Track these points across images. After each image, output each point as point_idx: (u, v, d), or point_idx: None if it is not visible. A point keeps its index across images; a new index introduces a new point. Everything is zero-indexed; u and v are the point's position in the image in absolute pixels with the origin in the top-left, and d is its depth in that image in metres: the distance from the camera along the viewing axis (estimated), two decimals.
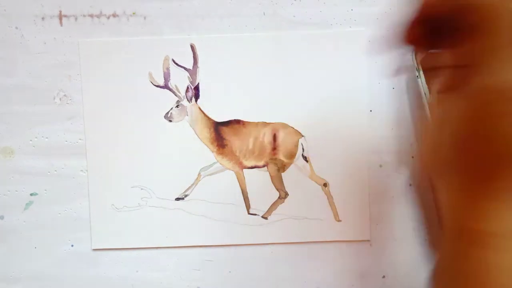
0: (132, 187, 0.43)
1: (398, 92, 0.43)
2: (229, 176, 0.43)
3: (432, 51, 0.41)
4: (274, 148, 0.43)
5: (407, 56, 0.41)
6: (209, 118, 0.43)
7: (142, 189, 0.43)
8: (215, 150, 0.43)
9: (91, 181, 0.43)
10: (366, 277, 0.44)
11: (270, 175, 0.43)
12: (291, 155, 0.43)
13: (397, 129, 0.43)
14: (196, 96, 0.43)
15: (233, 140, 0.43)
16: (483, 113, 0.24)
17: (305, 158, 0.43)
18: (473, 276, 0.26)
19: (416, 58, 0.41)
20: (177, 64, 0.43)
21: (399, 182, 0.44)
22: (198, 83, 0.43)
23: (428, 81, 0.41)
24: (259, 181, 0.43)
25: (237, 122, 0.43)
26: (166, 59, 0.43)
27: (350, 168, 0.43)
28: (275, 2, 0.43)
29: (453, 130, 0.27)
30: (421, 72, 0.41)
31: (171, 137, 0.43)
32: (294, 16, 0.43)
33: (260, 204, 0.43)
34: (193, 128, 0.43)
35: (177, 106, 0.43)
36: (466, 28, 0.25)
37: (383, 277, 0.44)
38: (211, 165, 0.43)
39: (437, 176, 0.29)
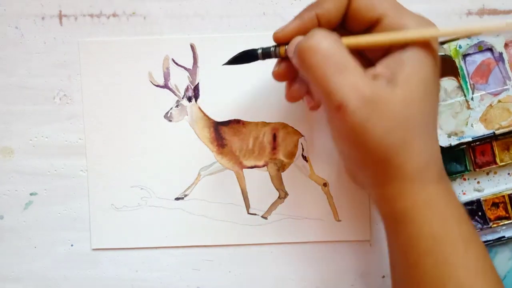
0: (131, 187, 0.43)
1: None
2: (229, 176, 0.43)
3: None
4: (274, 148, 0.43)
5: None
6: (209, 118, 0.43)
7: (142, 189, 0.43)
8: (215, 150, 0.43)
9: (91, 181, 0.43)
10: (366, 277, 0.44)
11: (270, 175, 0.43)
12: (291, 155, 0.43)
13: None
14: (196, 96, 0.43)
15: (233, 140, 0.43)
16: (351, 131, 0.30)
17: (305, 158, 0.43)
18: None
19: None
20: (177, 64, 0.43)
21: None
22: (198, 83, 0.43)
23: None
24: (259, 181, 0.43)
25: (237, 121, 0.43)
26: (166, 58, 0.43)
27: None
28: (275, 2, 0.43)
29: (340, 146, 0.34)
30: None
31: (171, 137, 0.43)
32: (294, 16, 0.43)
33: (260, 204, 0.43)
34: (193, 128, 0.43)
35: (177, 106, 0.43)
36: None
37: (383, 277, 0.44)
38: (210, 165, 0.43)
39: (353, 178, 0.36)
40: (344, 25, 0.34)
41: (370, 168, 0.33)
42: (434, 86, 0.32)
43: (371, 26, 0.33)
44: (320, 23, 0.33)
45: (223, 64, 0.38)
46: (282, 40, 0.34)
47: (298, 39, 0.32)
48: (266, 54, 0.36)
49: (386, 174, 0.33)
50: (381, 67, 0.32)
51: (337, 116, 0.30)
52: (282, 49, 0.35)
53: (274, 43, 0.35)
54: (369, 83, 0.30)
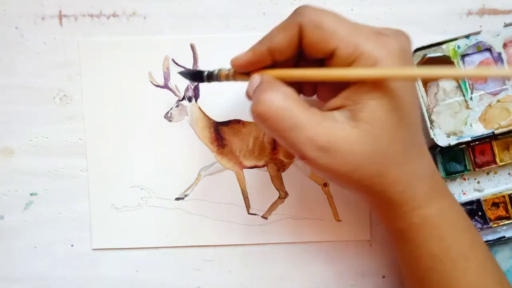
0: (132, 187, 0.43)
1: None
2: (229, 176, 0.43)
3: (430, 55, 0.41)
4: (274, 148, 0.43)
5: None
6: (209, 118, 0.43)
7: (142, 189, 0.43)
8: (215, 150, 0.43)
9: (91, 181, 0.43)
10: (366, 277, 0.44)
11: (270, 175, 0.43)
12: (291, 155, 0.43)
13: None
14: (196, 96, 0.43)
15: (233, 140, 0.43)
16: None
17: None
18: None
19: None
20: (177, 64, 0.43)
21: None
22: (198, 83, 0.43)
23: (425, 84, 0.42)
24: (259, 181, 0.43)
25: (237, 122, 0.43)
26: (166, 59, 0.43)
27: None
28: (275, 2, 0.43)
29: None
30: None
31: (171, 137, 0.43)
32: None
33: (260, 204, 0.43)
34: (193, 128, 0.43)
35: (177, 106, 0.43)
36: None
37: (383, 277, 0.44)
38: (211, 165, 0.43)
39: None
40: (303, 54, 0.33)
41: (357, 194, 0.34)
42: (406, 111, 0.30)
43: (329, 57, 0.31)
44: (273, 56, 0.32)
45: (178, 72, 0.40)
46: (237, 68, 0.34)
47: (255, 79, 0.33)
48: (210, 76, 0.37)
49: (372, 200, 0.34)
50: (342, 100, 0.31)
51: (304, 161, 0.31)
52: (222, 73, 0.36)
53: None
54: (324, 130, 0.30)
